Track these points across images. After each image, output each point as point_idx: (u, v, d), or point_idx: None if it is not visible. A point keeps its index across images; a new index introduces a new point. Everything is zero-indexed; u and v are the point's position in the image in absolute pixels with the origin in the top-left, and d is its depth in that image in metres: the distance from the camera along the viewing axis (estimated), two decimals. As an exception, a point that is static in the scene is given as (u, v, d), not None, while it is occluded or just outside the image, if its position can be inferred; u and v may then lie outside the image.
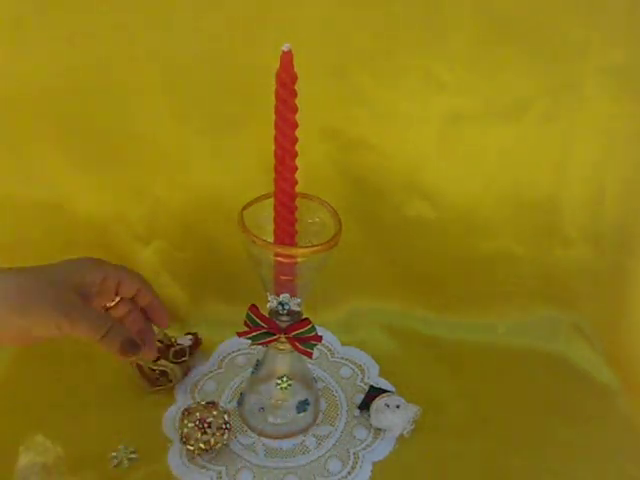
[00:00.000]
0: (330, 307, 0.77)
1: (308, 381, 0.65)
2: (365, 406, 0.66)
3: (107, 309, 0.55)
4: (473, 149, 0.69)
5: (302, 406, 0.64)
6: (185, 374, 0.70)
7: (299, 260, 0.52)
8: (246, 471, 0.60)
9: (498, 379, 0.71)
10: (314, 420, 0.65)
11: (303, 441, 0.63)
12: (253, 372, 0.65)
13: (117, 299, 0.54)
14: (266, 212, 0.55)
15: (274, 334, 0.59)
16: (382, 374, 0.71)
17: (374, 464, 0.61)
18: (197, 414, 0.60)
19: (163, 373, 0.68)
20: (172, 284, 0.76)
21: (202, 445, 0.59)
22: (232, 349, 0.74)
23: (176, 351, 0.69)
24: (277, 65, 0.47)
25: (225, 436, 0.61)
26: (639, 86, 0.65)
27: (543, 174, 0.70)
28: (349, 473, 0.60)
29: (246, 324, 0.59)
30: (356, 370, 0.72)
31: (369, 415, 0.65)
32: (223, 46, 0.64)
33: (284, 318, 0.58)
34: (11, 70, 0.65)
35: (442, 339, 0.76)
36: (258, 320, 0.59)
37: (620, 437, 0.65)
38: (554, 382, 0.71)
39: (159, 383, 0.68)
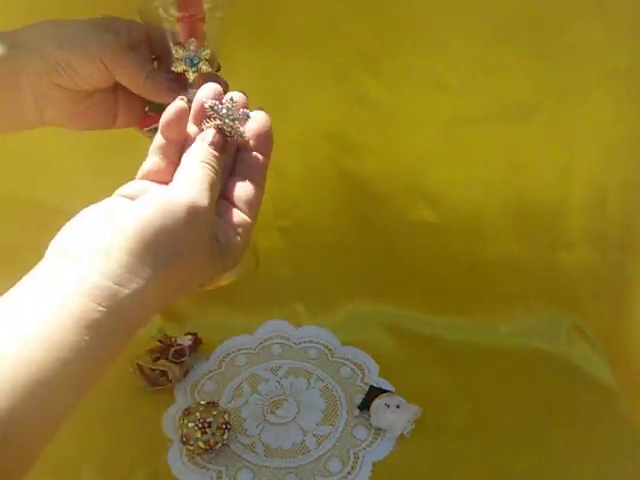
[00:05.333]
0: (330, 307, 0.77)
1: None
2: (365, 406, 0.66)
3: None
4: (477, 152, 0.69)
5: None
6: (185, 374, 0.70)
7: None
8: (246, 471, 0.60)
9: (499, 379, 0.71)
10: None
11: (303, 441, 0.63)
12: None
13: None
14: None
15: None
16: (382, 374, 0.71)
17: (374, 464, 0.61)
18: (197, 414, 0.60)
19: (163, 373, 0.68)
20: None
21: (202, 445, 0.60)
22: (232, 349, 0.74)
23: (176, 351, 0.69)
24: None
25: (225, 436, 0.61)
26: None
27: (547, 177, 0.70)
28: (349, 473, 0.60)
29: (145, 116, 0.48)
30: (356, 370, 0.72)
31: (369, 415, 0.65)
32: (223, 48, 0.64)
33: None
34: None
35: (442, 339, 0.75)
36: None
37: (620, 437, 0.65)
38: (555, 383, 0.71)
39: (159, 383, 0.68)
